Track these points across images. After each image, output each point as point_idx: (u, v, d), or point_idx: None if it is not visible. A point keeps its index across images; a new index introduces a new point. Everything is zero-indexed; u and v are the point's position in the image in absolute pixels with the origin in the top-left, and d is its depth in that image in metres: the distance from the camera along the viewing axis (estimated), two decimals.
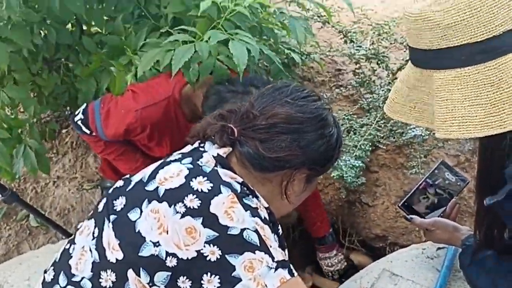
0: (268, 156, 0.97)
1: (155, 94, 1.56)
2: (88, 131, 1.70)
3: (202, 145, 1.03)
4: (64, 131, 2.77)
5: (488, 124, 0.78)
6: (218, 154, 0.99)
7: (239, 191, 0.92)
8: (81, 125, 1.70)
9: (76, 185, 2.66)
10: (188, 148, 1.06)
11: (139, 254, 0.88)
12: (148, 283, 0.88)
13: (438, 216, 1.23)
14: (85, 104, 1.73)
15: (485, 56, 0.79)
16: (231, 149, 1.00)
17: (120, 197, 0.97)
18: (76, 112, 1.74)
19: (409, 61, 0.92)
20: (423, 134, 1.74)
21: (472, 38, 0.79)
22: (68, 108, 2.41)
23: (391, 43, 2.52)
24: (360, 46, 2.12)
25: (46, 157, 1.98)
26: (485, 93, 0.79)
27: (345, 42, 2.29)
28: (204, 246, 0.85)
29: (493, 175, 0.89)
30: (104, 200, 1.01)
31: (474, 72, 0.80)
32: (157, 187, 0.93)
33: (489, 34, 0.78)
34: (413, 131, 1.73)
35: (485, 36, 0.78)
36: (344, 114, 1.84)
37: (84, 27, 2.03)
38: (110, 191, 1.02)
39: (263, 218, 0.92)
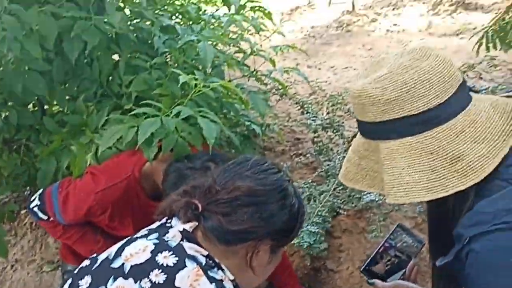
0: (231, 230, 0.98)
1: (114, 175, 1.56)
2: (45, 217, 1.65)
3: (169, 221, 1.05)
4: (23, 211, 2.70)
5: (432, 189, 0.85)
6: (184, 229, 1.00)
7: (204, 263, 0.94)
8: (37, 211, 1.65)
9: (35, 267, 2.56)
10: (155, 225, 1.07)
11: None
12: None
13: (399, 279, 1.26)
14: (41, 190, 1.70)
15: (423, 126, 0.87)
16: (196, 223, 1.02)
17: (86, 276, 0.96)
18: (32, 198, 1.69)
19: (358, 132, 1.00)
20: (377, 199, 1.81)
21: (410, 111, 0.87)
22: (27, 188, 2.37)
23: (345, 112, 2.66)
24: (316, 116, 2.23)
25: (4, 241, 1.91)
26: (426, 161, 0.86)
27: (302, 113, 2.40)
28: None
29: (442, 236, 0.95)
30: (69, 281, 0.99)
31: (415, 142, 0.88)
32: (123, 264, 0.94)
33: (424, 108, 0.87)
34: (368, 196, 1.80)
35: (421, 109, 0.87)
36: (303, 183, 1.91)
37: (46, 107, 2.05)
38: (76, 271, 1.01)
39: None
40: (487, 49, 1.89)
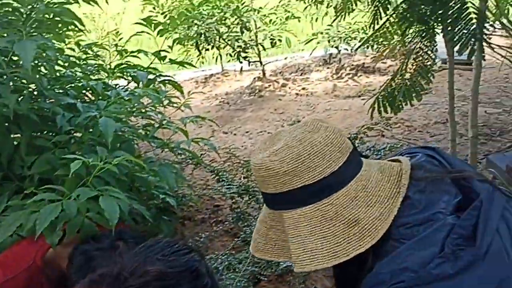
0: None
1: (13, 266, 1.43)
2: None
3: None
4: None
5: (335, 254, 0.88)
6: None
7: None
8: None
9: None
10: None
11: None
12: None
13: None
14: None
15: (320, 194, 0.92)
16: None
17: None
18: None
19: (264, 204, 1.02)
20: (292, 264, 1.83)
21: (306, 181, 0.92)
22: None
23: None
24: (231, 184, 2.25)
25: None
26: (327, 227, 0.90)
27: (218, 180, 2.42)
28: None
29: None
30: None
31: (314, 209, 0.91)
32: None
33: (319, 177, 0.92)
34: (284, 262, 1.81)
35: (317, 179, 0.92)
36: (221, 253, 1.89)
37: None
38: None
39: None
40: (379, 112, 2.06)
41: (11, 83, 1.55)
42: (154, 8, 4.67)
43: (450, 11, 1.48)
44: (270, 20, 5.13)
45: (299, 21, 5.49)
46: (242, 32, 4.77)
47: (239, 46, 4.79)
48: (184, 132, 2.15)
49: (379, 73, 5.40)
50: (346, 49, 5.22)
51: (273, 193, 0.96)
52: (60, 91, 1.90)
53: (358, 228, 0.89)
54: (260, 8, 5.39)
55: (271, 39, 5.08)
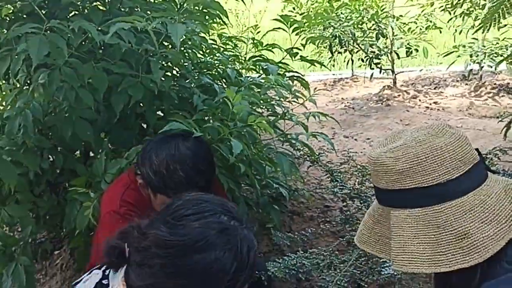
0: (137, 285, 0.90)
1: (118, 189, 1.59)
2: None
3: (106, 273, 0.99)
4: (56, 252, 2.79)
5: (435, 262, 0.87)
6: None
7: None
8: None
9: None
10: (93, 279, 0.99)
11: None
12: None
13: None
14: None
15: (433, 200, 0.91)
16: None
17: None
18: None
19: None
20: (395, 273, 1.78)
21: (420, 184, 0.91)
22: (63, 229, 2.47)
23: None
24: (344, 186, 2.26)
25: (34, 278, 1.99)
26: (433, 233, 0.88)
27: (331, 180, 2.44)
28: None
29: None
30: None
31: (423, 213, 0.91)
32: None
33: (434, 182, 0.91)
34: (386, 269, 1.77)
35: (431, 183, 0.91)
36: (324, 250, 1.90)
37: (91, 154, 2.18)
38: None
39: None
40: None
41: (160, 63, 1.74)
42: (294, 8, 4.81)
43: None
44: (409, 29, 4.96)
45: (440, 32, 5.22)
46: (377, 39, 4.68)
47: (372, 52, 4.71)
48: (304, 126, 2.21)
49: None
50: (490, 66, 4.83)
51: (384, 189, 0.97)
52: (200, 75, 2.08)
53: (467, 243, 0.86)
54: (401, 16, 5.24)
55: (407, 47, 4.91)
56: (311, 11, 4.13)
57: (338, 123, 2.74)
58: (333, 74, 6.77)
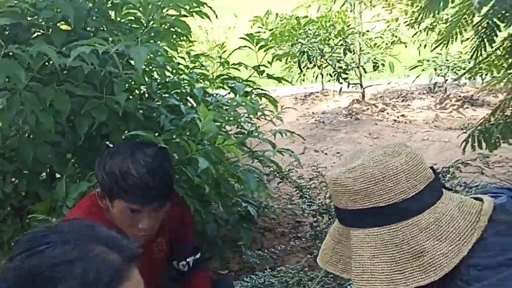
0: None
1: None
2: None
3: None
4: None
5: (394, 281, 0.88)
6: None
7: None
8: None
9: None
10: None
11: None
12: None
13: None
14: None
15: (390, 219, 0.92)
16: None
17: None
18: None
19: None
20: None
21: (377, 203, 0.93)
22: None
23: None
24: (312, 202, 2.28)
25: None
26: (391, 252, 0.90)
27: (301, 197, 2.46)
28: None
29: None
30: None
31: (381, 233, 0.92)
32: None
33: (390, 201, 0.92)
34: (352, 286, 1.79)
35: (388, 203, 0.92)
36: (291, 268, 1.91)
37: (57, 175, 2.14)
38: None
39: None
40: (473, 148, 1.96)
41: (124, 84, 1.74)
42: (263, 24, 4.87)
43: None
44: (375, 44, 5.08)
45: (405, 46, 5.36)
46: (345, 54, 4.78)
47: (340, 67, 4.80)
48: (271, 144, 2.22)
49: (488, 106, 5.08)
50: (454, 79, 5.00)
51: (343, 209, 0.98)
52: (166, 95, 2.08)
53: (423, 261, 0.88)
54: (367, 31, 5.37)
55: (374, 62, 5.02)
56: (280, 28, 4.19)
57: (302, 138, 2.76)
58: (305, 88, 6.86)
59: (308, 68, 4.99)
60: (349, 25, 4.69)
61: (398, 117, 5.10)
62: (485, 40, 1.63)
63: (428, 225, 0.91)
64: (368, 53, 5.06)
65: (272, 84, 6.96)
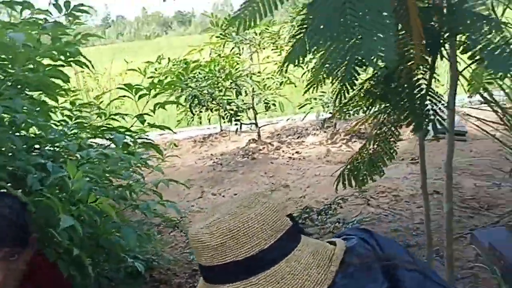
0: None
1: None
2: None
3: None
4: None
5: None
6: None
7: None
8: None
9: None
10: None
11: None
12: None
13: None
14: None
15: (248, 273, 0.91)
16: None
17: None
18: None
19: None
20: None
21: (235, 257, 0.92)
22: None
23: None
24: None
25: None
26: None
27: None
28: None
29: None
30: None
31: (241, 287, 0.91)
32: None
33: (247, 254, 0.92)
34: None
35: (245, 256, 0.92)
36: None
37: None
38: None
39: None
40: (343, 186, 2.06)
41: None
42: (155, 69, 4.85)
43: (405, 93, 1.52)
44: (265, 85, 5.28)
45: (295, 86, 5.63)
46: (237, 96, 4.90)
47: (231, 109, 4.90)
48: (157, 194, 2.17)
49: None
50: (326, 118, 5.34)
51: (205, 266, 0.96)
52: (37, 151, 1.95)
53: None
54: (259, 72, 5.56)
55: (265, 102, 5.21)
56: (168, 73, 4.20)
57: (186, 186, 2.73)
58: (208, 128, 6.90)
59: (201, 111, 5.03)
60: (237, 68, 4.83)
61: (293, 154, 5.27)
62: (347, 83, 1.75)
63: (284, 276, 0.91)
64: (260, 93, 5.23)
65: (167, 128, 6.93)
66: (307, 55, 1.42)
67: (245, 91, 5.05)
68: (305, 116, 5.56)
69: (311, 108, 5.46)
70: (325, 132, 6.12)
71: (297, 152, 5.31)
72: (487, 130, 3.13)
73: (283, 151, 5.39)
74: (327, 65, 1.38)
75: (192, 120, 5.25)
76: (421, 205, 3.55)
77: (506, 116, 2.92)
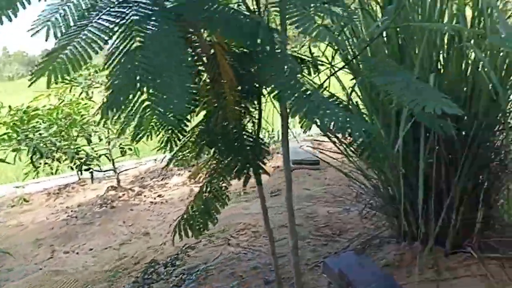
0: None
1: None
2: None
3: None
4: None
5: None
6: None
7: None
8: None
9: None
10: None
11: None
12: None
13: None
14: None
15: None
16: None
17: None
18: None
19: None
20: None
21: None
22: None
23: None
24: None
25: None
26: None
27: None
28: None
29: None
30: None
31: None
32: None
33: None
34: None
35: None
36: None
37: None
38: None
39: None
40: (180, 237, 2.00)
41: None
42: None
43: (226, 139, 1.54)
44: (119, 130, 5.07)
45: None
46: (89, 143, 4.61)
47: (80, 158, 4.60)
48: None
49: None
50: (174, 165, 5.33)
51: None
52: None
53: None
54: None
55: (120, 148, 4.99)
56: (7, 123, 3.81)
57: (9, 254, 2.44)
58: (63, 178, 6.37)
59: (46, 163, 4.63)
60: (83, 115, 4.57)
61: (155, 198, 5.09)
62: (176, 130, 1.70)
63: None
64: (115, 138, 5.00)
65: (17, 181, 6.30)
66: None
67: (99, 137, 4.78)
68: (163, 159, 5.44)
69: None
70: (189, 171, 6.03)
71: (159, 196, 5.14)
72: (337, 158, 3.32)
73: (144, 195, 5.17)
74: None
75: (38, 173, 4.80)
76: (279, 239, 3.63)
77: (342, 145, 3.13)
